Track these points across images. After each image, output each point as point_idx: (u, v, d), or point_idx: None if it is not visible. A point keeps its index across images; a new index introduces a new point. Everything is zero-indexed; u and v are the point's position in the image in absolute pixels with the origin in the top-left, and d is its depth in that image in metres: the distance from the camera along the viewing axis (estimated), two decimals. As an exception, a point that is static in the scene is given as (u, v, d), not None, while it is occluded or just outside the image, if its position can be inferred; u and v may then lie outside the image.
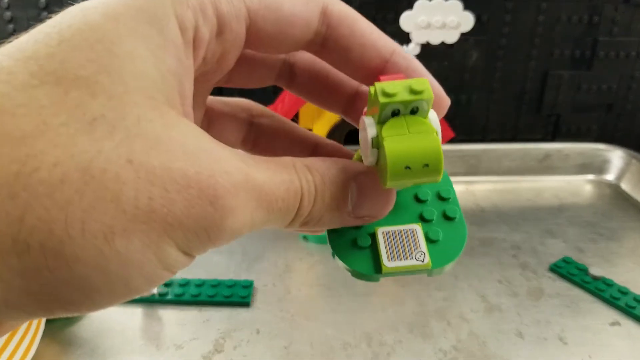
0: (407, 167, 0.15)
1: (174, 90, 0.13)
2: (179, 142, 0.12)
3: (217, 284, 0.42)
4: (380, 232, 0.18)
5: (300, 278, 0.44)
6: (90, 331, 0.38)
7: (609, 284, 0.42)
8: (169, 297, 0.40)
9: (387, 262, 0.17)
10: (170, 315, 0.39)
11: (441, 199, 0.19)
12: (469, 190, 0.59)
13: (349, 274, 0.18)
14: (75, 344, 0.36)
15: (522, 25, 0.60)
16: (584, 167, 0.62)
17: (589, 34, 0.60)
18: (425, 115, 0.16)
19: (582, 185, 0.61)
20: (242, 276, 0.44)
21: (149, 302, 0.40)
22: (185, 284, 0.42)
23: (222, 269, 0.45)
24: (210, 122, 0.20)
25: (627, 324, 0.39)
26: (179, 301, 0.40)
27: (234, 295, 0.41)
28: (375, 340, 0.37)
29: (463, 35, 0.45)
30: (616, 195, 0.58)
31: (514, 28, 0.60)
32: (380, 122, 0.16)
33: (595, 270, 0.43)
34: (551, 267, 0.45)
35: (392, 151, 0.15)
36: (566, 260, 0.45)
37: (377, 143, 0.16)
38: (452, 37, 0.45)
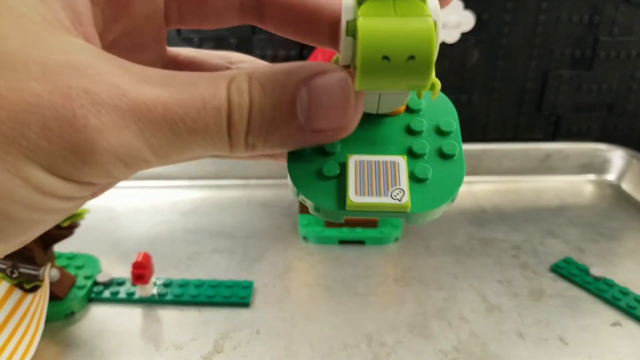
0: (386, 58, 0.12)
1: (56, 7, 0.13)
2: (38, 59, 0.11)
3: (216, 285, 0.42)
4: (353, 160, 0.14)
5: (300, 278, 0.44)
6: (90, 332, 0.38)
7: (609, 284, 0.42)
8: (168, 297, 0.40)
9: (353, 197, 0.14)
10: (169, 315, 0.39)
11: (440, 132, 0.16)
12: (469, 190, 0.59)
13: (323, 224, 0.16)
14: (74, 345, 0.36)
15: (522, 25, 0.59)
16: (584, 167, 0.62)
17: (589, 34, 0.60)
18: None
19: (582, 186, 0.60)
20: (242, 276, 0.43)
21: (148, 302, 0.40)
22: (184, 284, 0.42)
23: (221, 269, 0.44)
24: (176, 69, 0.19)
25: (628, 324, 0.39)
26: (178, 302, 0.40)
27: (233, 296, 0.40)
28: (376, 341, 0.37)
29: (463, 34, 0.45)
30: (617, 196, 0.58)
31: (515, 28, 0.59)
32: (361, 2, 0.13)
33: (596, 271, 0.43)
34: (552, 267, 0.45)
35: (366, 32, 0.12)
36: (567, 261, 0.45)
37: (353, 29, 0.13)
38: (452, 37, 0.45)
